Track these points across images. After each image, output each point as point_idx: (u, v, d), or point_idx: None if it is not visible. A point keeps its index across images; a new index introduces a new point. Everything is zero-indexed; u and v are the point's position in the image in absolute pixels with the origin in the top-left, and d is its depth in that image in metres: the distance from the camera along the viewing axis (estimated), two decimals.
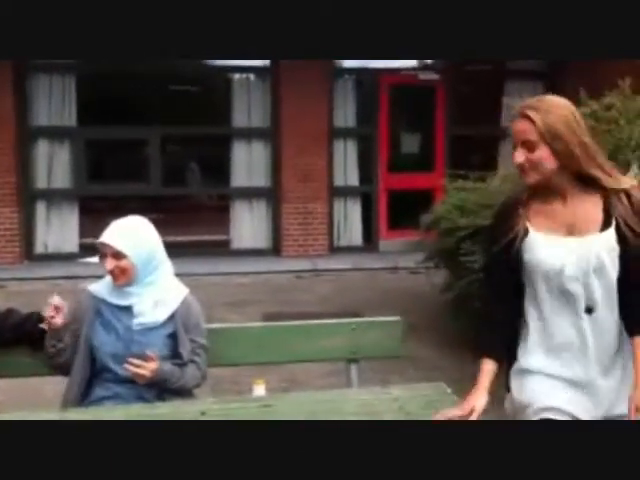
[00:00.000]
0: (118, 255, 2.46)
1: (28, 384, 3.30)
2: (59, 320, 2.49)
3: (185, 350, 2.54)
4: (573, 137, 1.88)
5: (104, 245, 2.48)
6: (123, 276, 2.49)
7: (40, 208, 8.68)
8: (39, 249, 8.69)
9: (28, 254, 8.57)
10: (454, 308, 5.42)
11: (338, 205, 9.30)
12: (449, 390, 2.33)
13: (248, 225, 9.17)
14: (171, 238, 2.59)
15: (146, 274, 2.52)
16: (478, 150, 9.50)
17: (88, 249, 8.61)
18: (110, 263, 2.48)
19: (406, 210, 8.64)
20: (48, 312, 2.48)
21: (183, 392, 2.56)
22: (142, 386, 2.48)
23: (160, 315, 2.54)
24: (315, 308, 6.92)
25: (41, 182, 8.66)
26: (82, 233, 8.80)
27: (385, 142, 9.34)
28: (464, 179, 5.80)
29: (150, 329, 2.53)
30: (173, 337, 2.55)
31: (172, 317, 2.55)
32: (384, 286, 7.75)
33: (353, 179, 9.36)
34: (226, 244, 9.15)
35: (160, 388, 2.49)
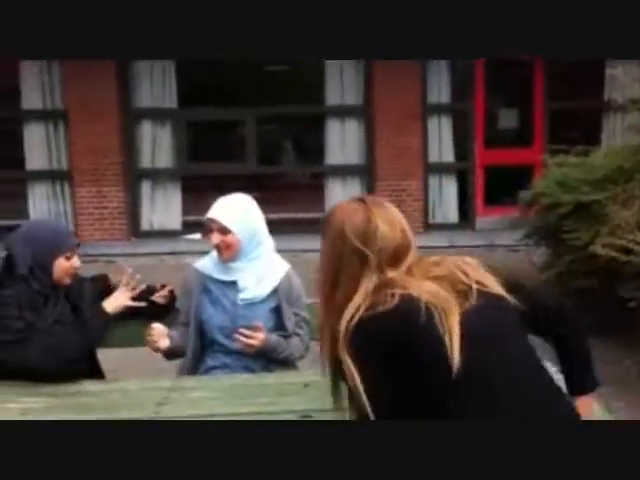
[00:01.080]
0: (224, 230, 2.58)
1: (141, 353, 3.48)
2: (164, 343, 2.60)
3: (289, 323, 2.64)
4: None
5: (211, 220, 2.61)
6: (228, 251, 2.61)
7: (145, 187, 9.06)
8: (145, 226, 9.08)
9: (134, 231, 8.97)
10: (555, 287, 5.32)
11: (433, 182, 9.23)
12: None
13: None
14: (267, 216, 2.69)
15: (250, 249, 2.63)
16: (579, 124, 9.19)
17: (190, 226, 8.96)
18: (216, 238, 2.60)
19: (503, 186, 8.48)
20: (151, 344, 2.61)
21: (288, 363, 2.66)
22: (249, 357, 2.60)
23: (263, 290, 2.65)
24: None
25: (145, 162, 9.03)
26: (184, 211, 9.13)
27: (481, 117, 9.18)
28: (565, 154, 5.65)
29: (254, 303, 2.64)
30: (277, 311, 2.66)
31: (275, 291, 2.66)
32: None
33: (448, 155, 9.26)
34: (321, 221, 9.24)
35: (266, 359, 2.60)
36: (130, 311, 2.75)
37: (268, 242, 2.72)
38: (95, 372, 2.62)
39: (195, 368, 2.69)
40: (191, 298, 2.69)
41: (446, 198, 9.31)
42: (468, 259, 1.67)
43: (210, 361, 2.67)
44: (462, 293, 1.55)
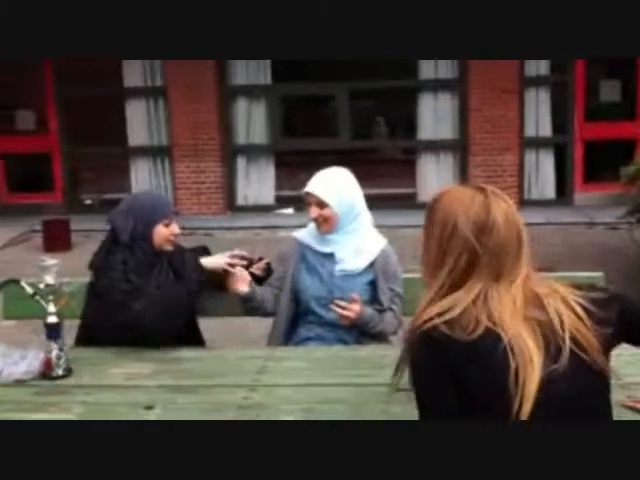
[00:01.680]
0: (321, 204, 2.63)
1: (235, 323, 3.59)
2: (245, 288, 2.66)
3: (384, 297, 2.67)
4: None
5: (309, 194, 2.66)
6: (326, 224, 2.66)
7: (240, 163, 9.26)
8: (240, 201, 9.29)
9: (230, 205, 9.20)
10: None
11: (529, 157, 9.00)
12: None
13: (434, 178, 9.15)
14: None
15: (347, 223, 2.67)
16: None
17: (283, 201, 9.11)
18: (314, 211, 2.65)
19: (604, 161, 8.18)
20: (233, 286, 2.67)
21: (381, 337, 2.70)
22: (343, 329, 2.65)
23: (360, 263, 2.69)
24: None
25: (241, 138, 9.22)
26: (278, 186, 9.29)
27: (581, 90, 8.84)
28: None
29: (351, 275, 2.68)
30: (372, 284, 2.69)
31: (371, 265, 2.69)
32: (578, 241, 7.44)
33: (546, 129, 8.98)
34: (413, 197, 9.21)
35: (360, 332, 2.65)
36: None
37: (366, 216, 2.75)
38: (196, 339, 2.74)
39: (288, 338, 2.76)
40: (288, 265, 2.76)
41: (543, 173, 9.07)
42: (577, 292, 1.47)
43: (304, 332, 2.73)
44: (552, 351, 1.37)
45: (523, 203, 8.87)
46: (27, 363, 2.18)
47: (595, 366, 1.40)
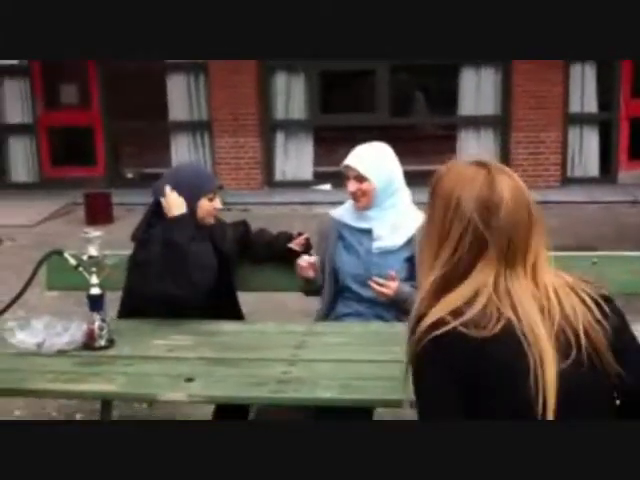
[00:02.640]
0: (360, 178, 2.61)
1: (273, 298, 3.59)
2: (312, 273, 2.71)
3: None
4: None
5: (348, 168, 2.64)
6: (364, 198, 2.64)
7: (279, 138, 9.25)
8: (278, 176, 9.30)
9: (268, 181, 9.21)
10: None
11: (573, 134, 8.82)
12: None
13: (475, 154, 9.01)
14: None
15: (385, 198, 2.65)
16: None
17: (321, 177, 9.09)
18: (353, 185, 2.63)
19: None
20: (302, 265, 2.71)
21: None
22: (382, 306, 2.64)
23: (398, 239, 2.67)
24: (552, 241, 6.72)
25: (280, 113, 9.20)
26: (316, 162, 9.26)
27: (628, 66, 8.60)
28: None
29: (388, 252, 2.67)
30: (410, 261, 2.67)
31: (410, 242, 2.67)
32: (622, 221, 7.30)
33: (591, 106, 8.78)
34: None
35: (398, 309, 2.63)
36: (266, 254, 2.87)
37: (404, 192, 2.73)
38: (235, 313, 2.76)
39: (327, 315, 2.77)
40: (327, 244, 2.76)
41: (587, 151, 8.88)
42: (584, 283, 1.35)
43: (342, 308, 2.73)
44: (565, 345, 1.27)
45: (565, 181, 8.73)
46: (70, 334, 2.22)
47: (604, 363, 1.29)
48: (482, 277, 1.29)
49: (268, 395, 1.86)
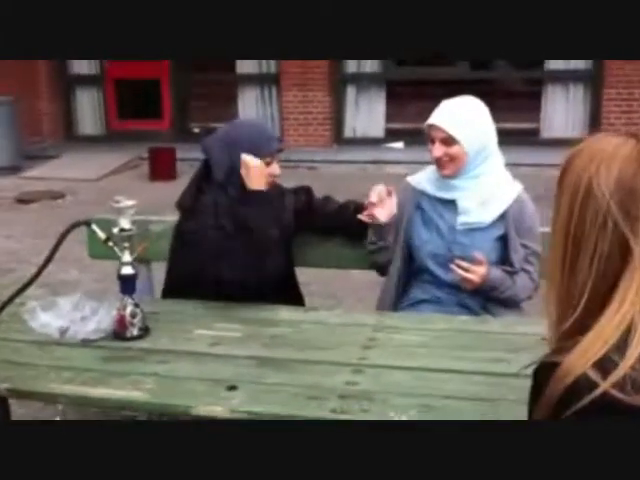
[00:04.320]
0: (449, 140, 2.16)
1: (337, 275, 3.17)
2: (384, 215, 2.24)
3: (516, 256, 2.20)
4: None
5: (433, 128, 2.19)
6: (452, 165, 2.19)
7: (350, 93, 8.76)
8: (347, 133, 8.83)
9: (337, 138, 8.76)
10: None
11: None
12: None
13: (562, 112, 8.35)
14: None
15: (475, 165, 2.20)
16: None
17: (393, 134, 8.59)
18: (438, 149, 2.18)
19: None
20: (371, 202, 2.26)
21: (510, 304, 2.24)
22: (465, 292, 2.22)
23: (489, 214, 2.22)
24: None
25: (351, 66, 8.68)
26: (388, 118, 8.75)
27: None
28: None
29: (476, 229, 2.22)
30: (502, 240, 2.23)
31: (502, 217, 2.22)
32: None
33: None
34: (535, 133, 8.46)
35: (486, 296, 2.21)
36: (330, 226, 2.47)
37: (497, 157, 2.27)
38: (293, 294, 2.38)
39: (399, 299, 2.35)
40: (401, 215, 2.32)
41: None
42: None
43: (419, 293, 2.32)
44: None
45: None
46: (97, 320, 1.88)
47: None
48: (630, 303, 0.91)
49: (327, 416, 1.47)
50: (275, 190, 2.36)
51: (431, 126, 2.20)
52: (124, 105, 9.55)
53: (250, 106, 9.04)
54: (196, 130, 9.67)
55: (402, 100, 8.71)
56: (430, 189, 2.30)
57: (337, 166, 7.80)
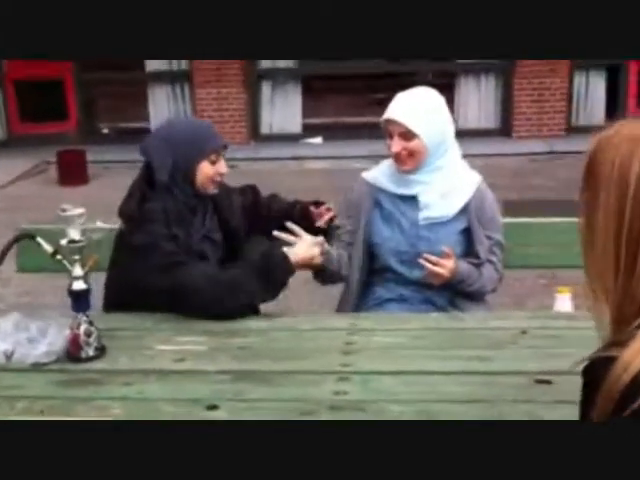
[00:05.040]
0: (407, 135, 2.09)
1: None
2: (318, 259, 2.08)
3: (482, 248, 2.16)
4: None
5: (391, 122, 2.11)
6: (411, 160, 2.12)
7: (265, 88, 8.62)
8: (264, 130, 8.70)
9: (254, 134, 8.61)
10: None
11: (579, 79, 8.31)
12: None
13: (475, 103, 8.50)
14: None
15: (435, 158, 2.14)
16: None
17: (311, 129, 8.52)
18: (397, 144, 2.10)
19: None
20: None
21: (476, 297, 2.20)
22: (431, 289, 2.16)
23: (450, 207, 2.16)
24: (560, 195, 6.28)
25: (266, 62, 8.55)
26: (305, 113, 8.66)
27: None
28: None
29: (439, 224, 2.16)
30: (466, 233, 2.18)
31: (464, 210, 2.17)
32: None
33: None
34: None
35: (452, 292, 2.15)
36: (279, 229, 2.34)
37: (455, 149, 2.21)
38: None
39: (362, 299, 2.27)
40: (359, 214, 2.23)
41: (593, 97, 8.40)
42: None
43: (382, 292, 2.23)
44: None
45: (570, 130, 8.26)
46: (47, 342, 1.70)
47: None
48: None
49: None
50: (222, 189, 2.23)
51: (388, 120, 2.12)
52: (26, 107, 9.05)
53: (161, 105, 8.75)
54: (105, 131, 9.32)
55: (319, 95, 8.66)
56: (389, 186, 2.22)
57: (257, 163, 7.66)
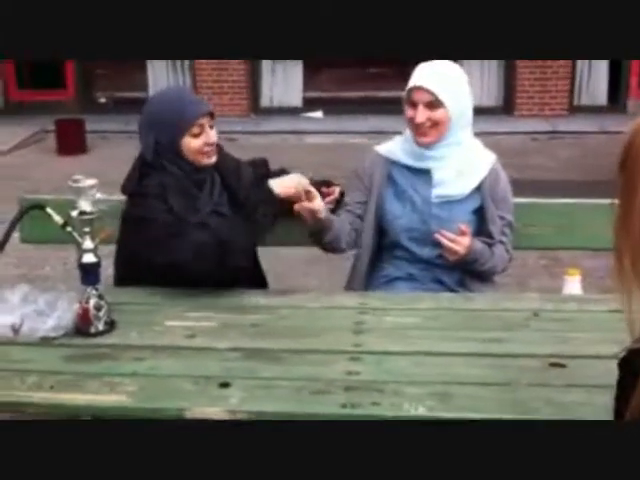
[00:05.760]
0: (434, 104, 2.05)
1: (267, 252, 2.97)
2: (321, 214, 2.04)
3: (494, 228, 2.13)
4: None
5: (419, 89, 2.06)
6: (434, 131, 2.08)
7: (266, 60, 8.52)
8: (264, 102, 8.62)
9: (255, 107, 8.53)
10: None
11: (581, 60, 8.23)
12: None
13: (477, 80, 8.42)
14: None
15: (455, 132, 2.10)
16: None
17: (311, 103, 8.44)
18: (423, 114, 2.06)
19: None
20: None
21: (486, 278, 2.18)
22: (441, 268, 2.14)
23: (465, 186, 2.13)
24: (560, 175, 6.26)
25: None
26: (305, 86, 8.58)
27: None
28: None
29: (453, 202, 2.14)
30: (478, 213, 2.15)
31: (478, 189, 2.14)
32: None
33: None
34: None
35: (464, 270, 2.13)
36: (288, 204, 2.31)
37: (470, 126, 2.18)
38: (258, 279, 2.23)
39: (371, 277, 2.25)
40: (371, 187, 2.20)
41: (595, 77, 8.35)
42: None
43: (392, 270, 2.21)
44: None
45: (572, 109, 8.22)
46: (57, 315, 1.68)
47: None
48: None
49: (339, 411, 1.36)
50: (231, 161, 2.20)
51: (416, 88, 2.07)
52: (24, 75, 8.95)
53: (161, 75, 8.66)
54: (102, 100, 9.21)
55: (319, 68, 8.56)
56: (403, 158, 2.19)
57: (257, 136, 7.60)
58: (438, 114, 2.05)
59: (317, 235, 2.13)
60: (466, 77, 2.12)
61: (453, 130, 2.08)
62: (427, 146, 2.11)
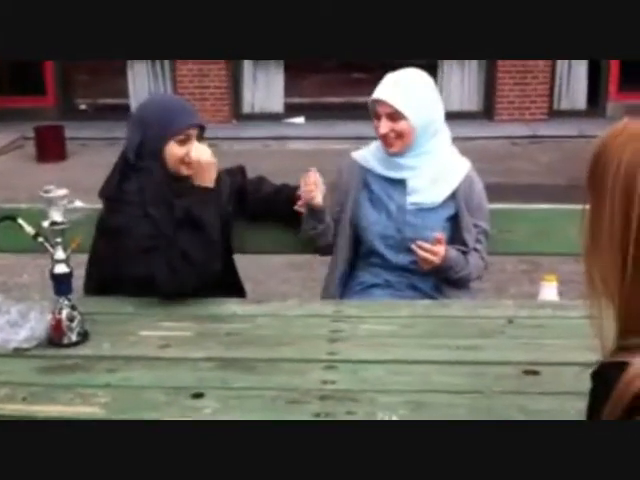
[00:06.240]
0: (395, 116, 2.06)
1: (248, 259, 3.00)
2: (319, 198, 2.13)
3: (470, 235, 2.14)
4: None
5: (379, 102, 2.08)
6: (399, 142, 2.09)
7: (247, 65, 8.52)
8: (246, 108, 8.62)
9: (236, 113, 8.53)
10: None
11: (561, 63, 8.31)
12: None
13: (457, 85, 8.48)
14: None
15: (423, 141, 2.12)
16: None
17: (293, 109, 8.45)
18: (385, 125, 2.07)
19: None
20: (306, 189, 2.14)
21: (461, 284, 2.18)
22: (416, 275, 2.14)
23: (439, 194, 2.14)
24: (541, 179, 6.31)
25: None
26: (287, 92, 8.59)
27: None
28: None
29: (427, 209, 2.15)
30: (453, 220, 2.16)
31: (453, 196, 2.15)
32: None
33: None
34: None
35: (437, 278, 2.14)
36: (264, 211, 2.31)
37: (445, 133, 2.19)
38: (235, 288, 2.22)
39: (346, 284, 2.25)
40: (347, 195, 2.21)
41: (574, 81, 8.42)
42: None
43: (368, 276, 2.22)
44: None
45: (552, 114, 8.29)
46: (29, 326, 1.66)
47: None
48: None
49: (313, 420, 1.35)
50: None
51: (376, 101, 2.09)
52: (3, 80, 8.89)
53: (141, 81, 8.64)
54: (83, 107, 9.17)
55: (301, 74, 8.57)
56: (378, 168, 2.19)
57: (239, 143, 7.59)
58: (400, 126, 2.06)
59: (313, 221, 2.16)
60: (433, 86, 2.13)
61: (421, 140, 2.10)
62: (396, 155, 2.11)
